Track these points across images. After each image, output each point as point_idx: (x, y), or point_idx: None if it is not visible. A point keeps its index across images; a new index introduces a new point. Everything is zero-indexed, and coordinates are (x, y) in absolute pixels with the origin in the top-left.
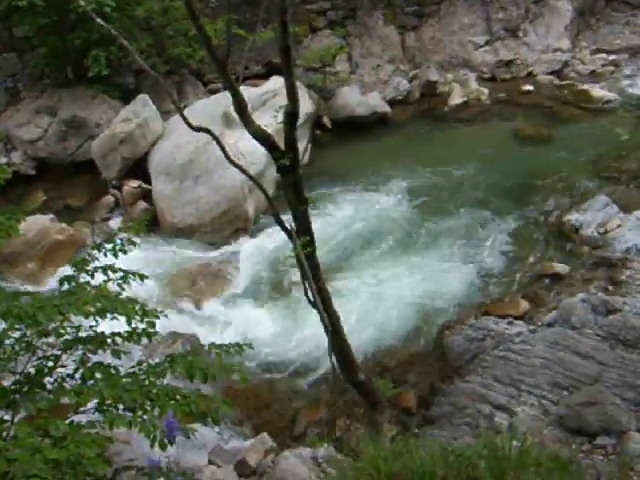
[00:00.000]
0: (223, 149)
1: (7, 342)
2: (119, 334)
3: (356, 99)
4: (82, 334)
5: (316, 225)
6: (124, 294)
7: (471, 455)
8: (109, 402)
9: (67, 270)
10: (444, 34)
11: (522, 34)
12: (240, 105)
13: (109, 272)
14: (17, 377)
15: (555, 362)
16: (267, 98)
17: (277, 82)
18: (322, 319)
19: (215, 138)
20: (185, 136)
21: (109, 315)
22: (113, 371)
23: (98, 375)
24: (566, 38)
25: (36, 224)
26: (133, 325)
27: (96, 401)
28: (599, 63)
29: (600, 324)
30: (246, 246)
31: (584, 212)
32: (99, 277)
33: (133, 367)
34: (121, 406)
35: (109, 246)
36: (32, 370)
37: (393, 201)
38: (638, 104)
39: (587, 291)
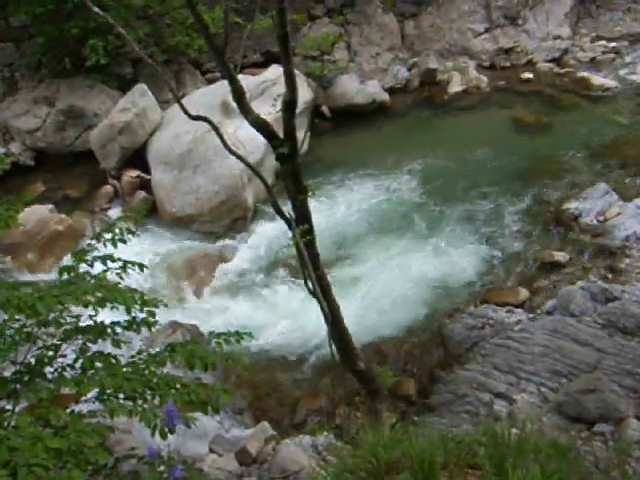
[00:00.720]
0: (222, 138)
1: (7, 332)
2: (119, 323)
3: (355, 87)
4: (82, 324)
5: (315, 214)
6: (123, 283)
7: (470, 442)
8: (109, 391)
9: (67, 260)
10: (443, 22)
11: (522, 21)
12: (238, 94)
13: (108, 262)
14: (18, 367)
15: (554, 350)
16: (266, 87)
17: (276, 71)
18: (322, 308)
19: (214, 127)
20: (184, 126)
21: (108, 305)
22: (113, 360)
23: (98, 364)
24: (566, 25)
25: (35, 215)
26: (133, 314)
27: (96, 390)
28: (599, 50)
29: (599, 312)
30: (245, 235)
31: (584, 200)
32: (98, 267)
33: (133, 356)
34: (121, 395)
35: (108, 236)
36: (32, 360)
37: (392, 189)
38: (638, 91)
39: (586, 279)
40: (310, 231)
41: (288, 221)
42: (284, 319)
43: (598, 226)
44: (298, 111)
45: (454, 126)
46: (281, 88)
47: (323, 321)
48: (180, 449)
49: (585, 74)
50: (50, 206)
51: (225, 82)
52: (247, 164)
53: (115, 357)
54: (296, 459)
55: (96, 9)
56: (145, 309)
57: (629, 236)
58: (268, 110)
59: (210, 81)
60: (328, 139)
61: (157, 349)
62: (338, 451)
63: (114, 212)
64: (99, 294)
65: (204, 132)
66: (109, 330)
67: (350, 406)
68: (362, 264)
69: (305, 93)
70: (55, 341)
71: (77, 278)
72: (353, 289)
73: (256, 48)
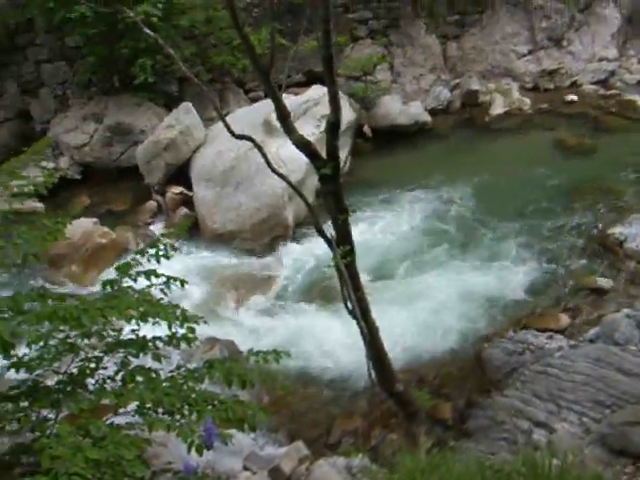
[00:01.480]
0: (265, 157)
1: (51, 342)
2: (160, 338)
3: (397, 108)
4: (123, 337)
5: (356, 234)
6: (165, 299)
7: (510, 471)
8: (149, 405)
9: (110, 273)
10: (486, 43)
11: (566, 43)
12: (283, 114)
13: (152, 277)
14: (61, 377)
15: (597, 379)
16: (308, 107)
17: (318, 91)
18: (360, 329)
19: (257, 146)
20: (227, 143)
21: (150, 319)
22: (153, 375)
23: (139, 378)
24: (613, 47)
25: (80, 227)
26: (173, 330)
27: (136, 404)
28: None
29: None
30: (285, 253)
31: (629, 225)
32: (141, 281)
33: (172, 371)
34: (160, 410)
35: (152, 251)
36: (75, 371)
37: (434, 209)
38: None
39: (632, 307)
40: (351, 251)
41: (329, 241)
42: (322, 339)
43: None
44: (341, 131)
45: (496, 148)
46: (323, 108)
47: (361, 342)
48: (214, 465)
49: (632, 97)
50: (95, 219)
51: (267, 101)
52: (289, 183)
53: (155, 371)
54: None
55: (147, 30)
56: (185, 325)
57: None
58: (311, 130)
59: (253, 100)
60: (370, 159)
61: (194, 364)
62: (373, 474)
63: (157, 227)
64: (142, 309)
65: (247, 150)
66: (150, 344)
67: (386, 428)
68: (402, 284)
69: (348, 114)
70: (97, 353)
71: (120, 292)
72: (392, 309)
73: (299, 68)
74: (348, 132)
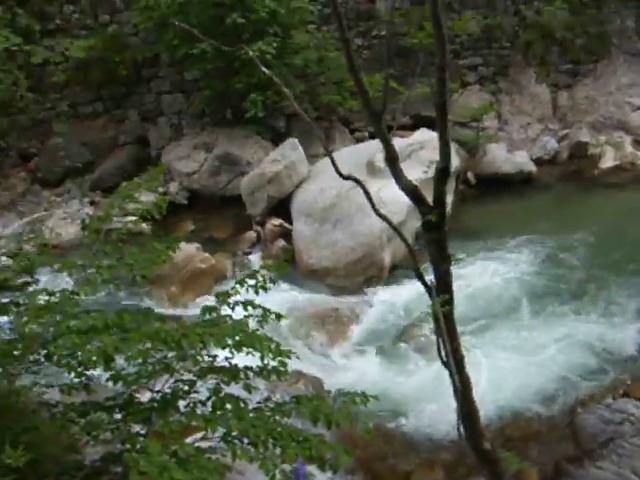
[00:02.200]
0: (370, 199)
1: (149, 361)
2: (251, 368)
3: (503, 156)
4: (217, 363)
5: (456, 281)
6: (260, 330)
7: None
8: (235, 433)
9: (206, 298)
10: (599, 94)
11: None
12: (391, 156)
13: (249, 307)
14: (154, 395)
15: None
16: (413, 150)
17: (424, 135)
18: (452, 381)
19: (362, 187)
20: (329, 181)
21: (244, 349)
22: (242, 404)
23: (228, 406)
24: None
25: (183, 251)
26: (265, 361)
27: (223, 430)
28: None
29: None
30: (379, 295)
31: None
32: (239, 311)
33: (260, 402)
34: (245, 439)
35: (251, 282)
36: (168, 391)
37: (538, 259)
38: None
39: None
40: (450, 301)
41: (428, 288)
42: (409, 385)
43: None
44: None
45: (605, 202)
46: (428, 152)
47: (451, 393)
48: None
49: None
50: (197, 244)
51: (372, 142)
52: (391, 225)
53: (243, 401)
54: None
55: (263, 68)
56: (278, 359)
57: None
58: (416, 174)
59: (358, 139)
60: (473, 206)
61: (278, 396)
62: None
63: (254, 257)
64: (237, 338)
65: (349, 189)
66: (242, 374)
67: None
68: (501, 335)
69: (454, 160)
70: (191, 376)
71: (219, 320)
72: (488, 361)
73: (406, 111)
74: (452, 178)
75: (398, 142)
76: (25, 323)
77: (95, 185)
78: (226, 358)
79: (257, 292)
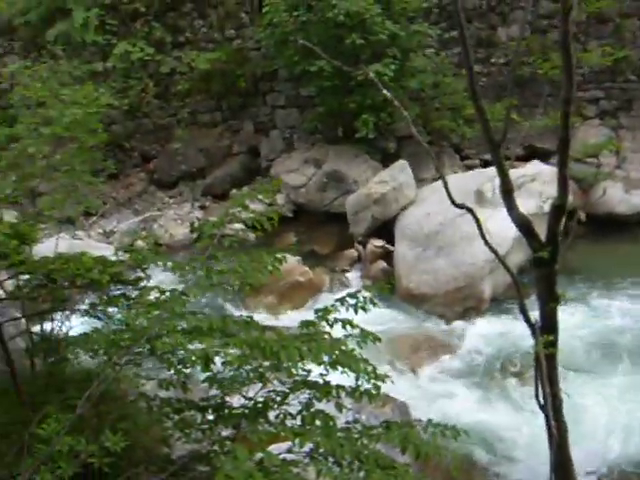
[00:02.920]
0: (480, 228)
1: (245, 367)
2: (343, 387)
3: (619, 196)
4: (311, 378)
5: (562, 320)
6: (357, 350)
7: None
8: (321, 451)
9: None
10: None
11: None
12: (507, 188)
13: (347, 326)
14: (246, 402)
15: None
16: (524, 182)
17: (536, 167)
18: (548, 427)
19: (475, 217)
20: (435, 206)
21: (340, 367)
22: (331, 423)
23: (318, 422)
24: None
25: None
26: (359, 382)
27: (310, 446)
28: None
29: None
30: (475, 326)
31: None
32: (336, 328)
33: (348, 423)
34: (331, 458)
35: (352, 301)
36: (260, 399)
37: None
38: None
39: None
40: (554, 343)
41: (532, 326)
42: (500, 424)
43: None
44: None
45: None
46: (540, 185)
47: (545, 439)
48: None
49: None
50: (297, 257)
51: (481, 171)
52: (499, 258)
53: (333, 419)
54: None
55: (385, 91)
56: (372, 381)
57: None
58: (526, 207)
59: (468, 167)
60: (583, 245)
61: (364, 416)
62: None
63: (353, 275)
64: (334, 356)
65: (455, 216)
66: (334, 392)
67: None
68: (605, 383)
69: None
70: (284, 388)
71: (317, 335)
72: (587, 411)
73: (520, 141)
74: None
75: (510, 172)
76: (136, 316)
77: (206, 190)
78: (320, 374)
79: (356, 311)
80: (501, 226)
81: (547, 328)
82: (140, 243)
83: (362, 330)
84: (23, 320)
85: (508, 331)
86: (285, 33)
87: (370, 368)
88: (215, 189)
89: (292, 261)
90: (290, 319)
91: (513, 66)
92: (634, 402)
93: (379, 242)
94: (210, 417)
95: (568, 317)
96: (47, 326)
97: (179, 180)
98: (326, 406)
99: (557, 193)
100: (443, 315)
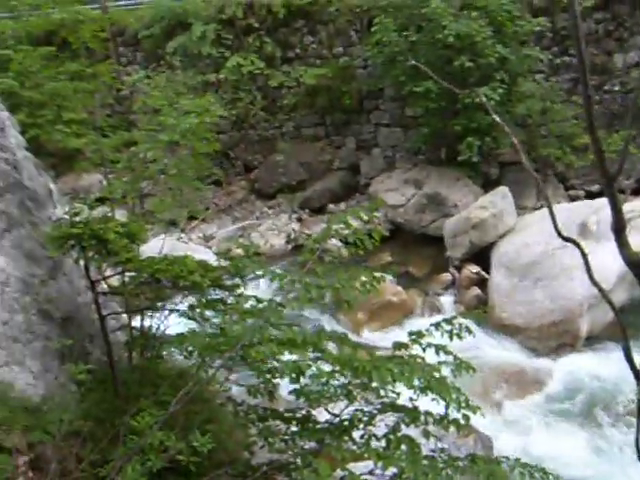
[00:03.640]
0: (586, 262)
1: (333, 383)
2: (431, 414)
3: None
4: (399, 401)
5: None
6: (450, 378)
7: None
8: (405, 476)
9: (392, 332)
10: None
11: None
12: (619, 225)
13: (440, 352)
14: (331, 418)
15: None
16: (632, 217)
17: None
18: None
19: (581, 251)
20: (535, 236)
21: (430, 393)
22: (417, 449)
23: (403, 447)
24: None
25: None
26: (449, 411)
27: (394, 471)
28: None
29: None
30: (570, 364)
31: None
32: (429, 352)
33: (433, 451)
34: None
35: (447, 327)
36: (346, 417)
37: None
38: None
39: None
40: None
41: (636, 371)
42: (587, 467)
43: None
44: None
45: None
46: None
47: None
48: None
49: None
50: (391, 277)
51: (586, 202)
52: (605, 296)
53: (419, 446)
54: None
55: (495, 115)
56: (462, 411)
57: None
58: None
59: (571, 197)
60: None
61: (445, 445)
62: None
63: (446, 299)
64: (426, 381)
65: (555, 248)
66: (422, 418)
67: None
68: None
69: None
70: (371, 409)
71: (410, 358)
72: None
73: (631, 173)
74: None
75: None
76: (234, 323)
77: (304, 203)
78: (410, 398)
79: (452, 338)
80: (604, 262)
81: None
82: (238, 250)
83: (456, 358)
84: (125, 315)
85: (604, 372)
86: (394, 53)
87: (463, 398)
88: (313, 202)
89: (386, 280)
90: (377, 338)
91: (636, 95)
92: None
93: (475, 268)
94: (294, 428)
95: None
96: (146, 323)
97: (278, 191)
98: (411, 431)
99: None
100: (535, 349)
